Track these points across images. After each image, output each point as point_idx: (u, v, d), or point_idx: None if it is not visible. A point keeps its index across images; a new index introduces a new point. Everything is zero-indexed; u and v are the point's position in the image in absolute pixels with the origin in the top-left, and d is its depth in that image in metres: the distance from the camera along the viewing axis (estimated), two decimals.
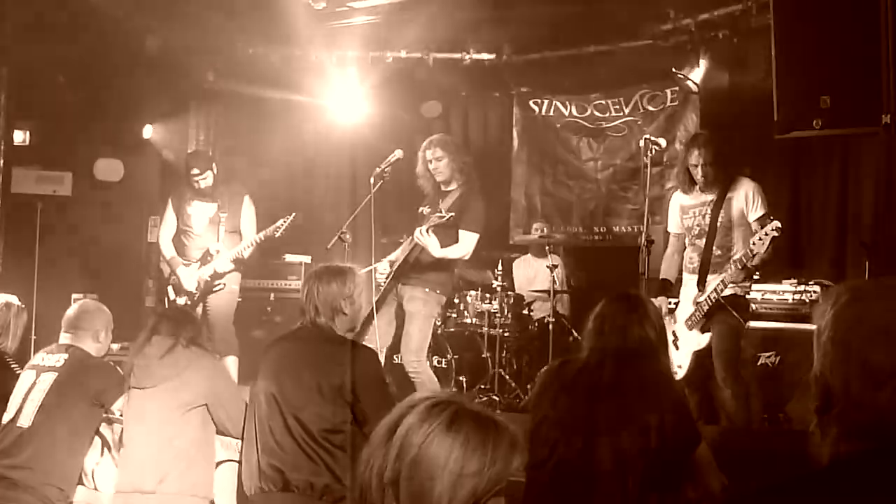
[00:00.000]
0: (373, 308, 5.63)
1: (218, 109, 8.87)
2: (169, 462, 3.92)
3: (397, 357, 6.03)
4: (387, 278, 5.83)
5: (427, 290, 5.77)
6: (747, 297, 5.47)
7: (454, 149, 5.95)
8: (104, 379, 4.27)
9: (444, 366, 6.94)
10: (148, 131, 8.44)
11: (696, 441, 3.16)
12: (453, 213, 5.53)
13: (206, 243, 6.64)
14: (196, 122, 8.75)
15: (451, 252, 5.71)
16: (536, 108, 8.79)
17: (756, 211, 5.22)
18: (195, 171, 6.64)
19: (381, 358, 5.92)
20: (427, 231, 5.54)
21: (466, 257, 5.87)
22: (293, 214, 6.49)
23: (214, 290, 6.61)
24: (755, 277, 5.45)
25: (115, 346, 5.31)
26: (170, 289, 6.75)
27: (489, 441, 1.67)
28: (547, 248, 7.50)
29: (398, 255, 5.83)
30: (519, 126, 8.88)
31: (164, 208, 6.93)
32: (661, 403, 3.12)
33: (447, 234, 5.66)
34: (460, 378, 7.11)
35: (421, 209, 5.97)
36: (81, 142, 8.01)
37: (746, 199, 5.24)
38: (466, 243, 5.76)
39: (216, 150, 8.56)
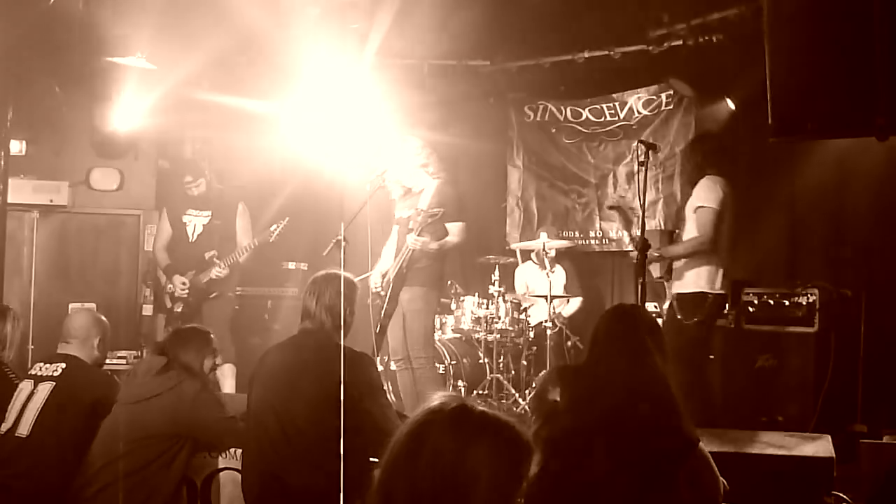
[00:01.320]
0: (379, 321, 5.75)
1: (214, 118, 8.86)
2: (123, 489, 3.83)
3: (394, 364, 6.04)
4: (386, 290, 5.84)
5: (425, 287, 5.87)
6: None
7: (418, 150, 5.98)
8: (101, 389, 4.26)
9: (441, 371, 6.95)
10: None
11: (691, 443, 3.17)
12: (442, 209, 5.61)
13: (202, 251, 6.65)
14: (192, 132, 8.72)
15: (448, 243, 5.85)
16: (531, 114, 8.79)
17: None
18: (188, 178, 6.68)
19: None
20: (418, 233, 5.60)
21: (460, 244, 6.00)
22: (286, 219, 6.52)
23: (210, 297, 6.62)
24: None
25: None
26: (167, 297, 6.75)
27: (516, 446, 1.71)
28: (545, 255, 7.49)
29: (393, 265, 5.84)
30: (514, 132, 8.89)
31: (160, 217, 6.94)
32: (655, 407, 3.14)
33: (434, 228, 5.77)
34: (458, 383, 7.12)
35: (400, 212, 6.03)
36: (77, 151, 8.01)
37: None
38: (458, 233, 5.89)
39: (211, 158, 8.56)
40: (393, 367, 6.18)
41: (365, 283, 6.05)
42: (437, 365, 6.80)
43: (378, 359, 5.85)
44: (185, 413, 3.90)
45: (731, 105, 7.51)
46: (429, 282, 5.90)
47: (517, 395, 7.05)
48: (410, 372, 5.89)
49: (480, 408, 1.76)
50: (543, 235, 7.67)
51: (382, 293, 5.86)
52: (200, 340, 4.18)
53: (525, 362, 7.51)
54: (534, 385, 7.12)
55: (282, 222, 6.52)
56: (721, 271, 5.67)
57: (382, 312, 5.79)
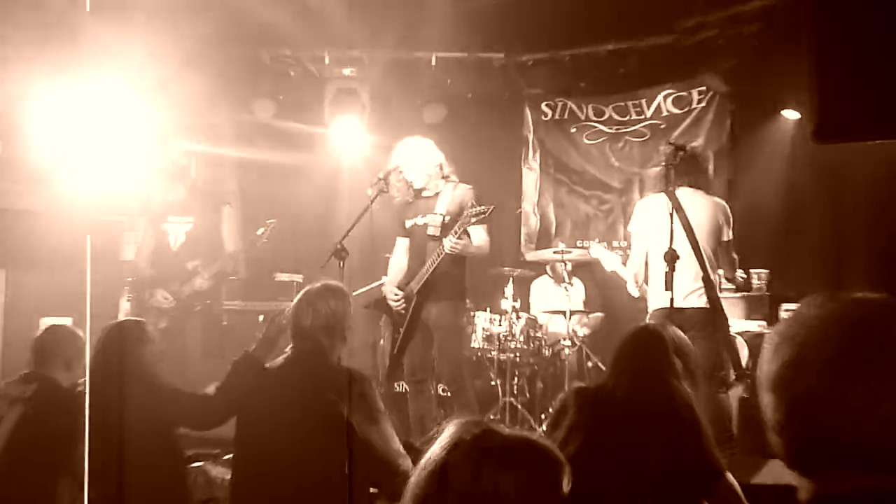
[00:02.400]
0: (398, 340, 5.77)
1: (200, 116, 8.89)
2: None
3: (398, 385, 6.03)
4: (406, 305, 5.81)
5: (454, 302, 5.90)
6: None
7: (428, 151, 5.97)
8: (71, 417, 4.23)
9: (449, 394, 6.92)
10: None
11: (715, 472, 3.18)
12: (492, 206, 5.58)
13: (184, 260, 6.66)
14: (175, 131, 8.76)
15: (483, 248, 5.85)
16: (549, 112, 8.79)
17: None
18: (169, 180, 6.69)
19: (381, 386, 5.92)
20: (458, 234, 5.56)
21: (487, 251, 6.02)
22: (273, 221, 6.52)
23: (195, 310, 6.61)
24: None
25: None
26: (149, 311, 6.75)
27: (547, 466, 1.73)
28: (563, 267, 7.46)
29: (418, 277, 5.81)
30: (530, 131, 8.88)
31: (140, 225, 6.95)
32: (678, 433, 3.15)
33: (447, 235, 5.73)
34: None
35: (412, 221, 5.98)
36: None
37: None
38: (483, 236, 5.87)
39: (196, 161, 8.59)
40: (398, 388, 6.17)
41: (377, 297, 6.06)
42: (444, 388, 6.79)
43: (378, 382, 5.83)
44: None
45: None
46: (456, 294, 5.92)
47: (532, 420, 7.02)
48: (425, 395, 5.88)
49: (501, 430, 1.77)
50: (561, 245, 7.64)
51: (402, 310, 5.86)
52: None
53: (541, 384, 7.47)
54: (550, 410, 7.08)
55: (270, 223, 6.53)
56: None
57: (402, 330, 5.78)
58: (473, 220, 5.54)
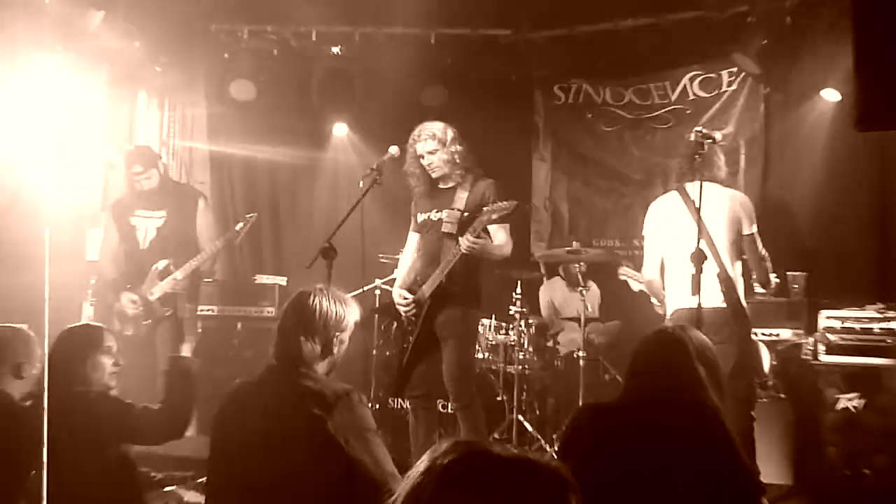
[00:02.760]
0: (407, 352, 5.76)
1: (172, 98, 8.93)
2: None
3: (393, 401, 6.03)
4: (417, 310, 5.82)
5: (465, 308, 5.84)
6: None
7: (449, 137, 5.98)
8: (29, 434, 4.23)
9: (450, 410, 6.94)
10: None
11: (754, 493, 3.17)
12: (516, 202, 5.59)
13: (154, 260, 6.66)
14: (145, 115, 8.80)
15: (504, 247, 5.84)
16: (563, 96, 8.81)
17: None
18: (136, 168, 6.69)
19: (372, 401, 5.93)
20: (477, 233, 5.58)
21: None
22: (254, 215, 6.52)
23: (165, 316, 6.62)
24: None
25: None
26: (114, 318, 6.76)
27: (551, 490, 1.65)
28: (578, 270, 7.47)
29: (432, 280, 5.80)
30: (541, 117, 8.89)
31: (105, 221, 6.96)
32: (710, 451, 3.13)
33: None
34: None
35: (425, 215, 5.97)
36: None
37: None
38: (504, 236, 5.86)
39: (169, 145, 8.62)
40: (392, 404, 6.16)
41: (386, 301, 6.06)
42: (444, 403, 6.80)
43: (370, 396, 5.83)
44: None
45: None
46: (468, 299, 5.86)
47: (542, 440, 7.04)
48: (427, 412, 5.89)
49: (496, 451, 1.70)
50: (576, 244, 7.65)
51: (413, 316, 5.85)
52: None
53: (553, 400, 7.49)
54: (563, 428, 7.10)
55: (250, 217, 6.53)
56: None
57: (413, 340, 5.79)
58: (495, 216, 5.54)
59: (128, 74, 8.42)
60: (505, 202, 5.54)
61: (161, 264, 6.62)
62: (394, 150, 5.91)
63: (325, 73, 8.43)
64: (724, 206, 5.60)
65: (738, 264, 5.62)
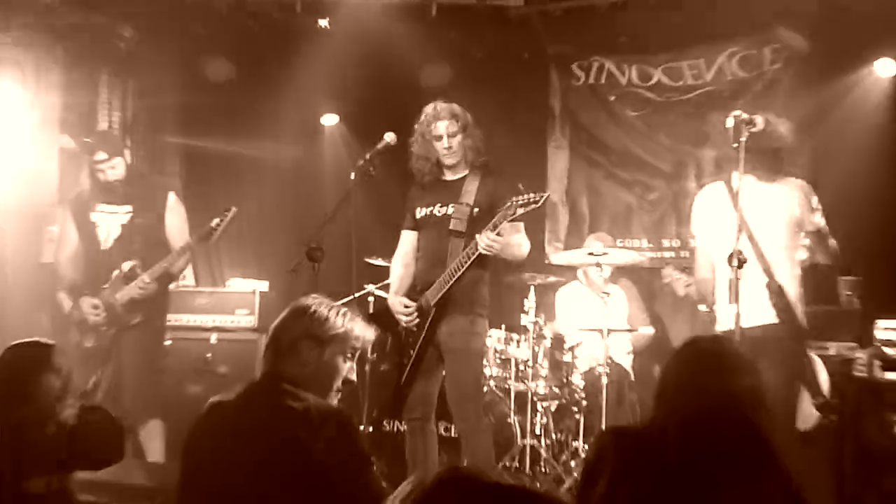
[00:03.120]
0: (406, 369, 5.72)
1: (139, 79, 8.91)
2: None
3: (388, 424, 5.99)
4: (420, 320, 5.76)
5: (472, 317, 5.78)
6: None
7: (470, 120, 5.96)
8: None
9: (453, 434, 6.90)
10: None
11: None
12: (546, 194, 5.53)
13: (118, 260, 6.63)
14: (108, 98, 8.76)
15: (523, 248, 5.85)
16: (582, 75, 8.79)
17: None
18: (100, 155, 6.65)
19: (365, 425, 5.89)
20: (498, 229, 5.50)
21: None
22: (233, 210, 6.48)
23: (130, 324, 6.59)
24: None
25: None
26: (72, 328, 6.73)
27: None
28: (600, 272, 7.42)
29: (437, 285, 5.74)
30: (558, 100, 8.87)
31: (62, 217, 6.93)
32: (753, 480, 3.08)
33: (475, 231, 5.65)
34: None
35: (427, 209, 5.92)
36: None
37: None
38: (523, 236, 5.86)
39: (136, 132, 8.59)
40: (387, 427, 6.13)
41: (379, 308, 6.01)
42: (447, 426, 6.76)
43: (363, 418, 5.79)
44: None
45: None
46: (477, 307, 5.82)
47: (559, 468, 7.00)
48: (427, 436, 5.84)
49: (491, 477, 1.68)
50: (597, 244, 7.61)
51: (415, 328, 5.79)
52: None
53: (571, 423, 7.44)
54: (582, 455, 7.06)
55: (227, 213, 6.48)
56: None
57: (414, 354, 5.72)
58: (521, 211, 5.45)
59: (87, 54, 8.39)
60: (533, 193, 5.44)
61: (126, 266, 6.58)
62: (390, 137, 5.86)
63: (312, 50, 8.40)
64: (775, 201, 5.52)
65: (797, 269, 5.55)
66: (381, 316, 6.06)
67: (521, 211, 5.45)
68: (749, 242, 5.32)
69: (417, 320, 5.77)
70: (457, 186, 5.89)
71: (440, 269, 5.72)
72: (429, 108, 5.96)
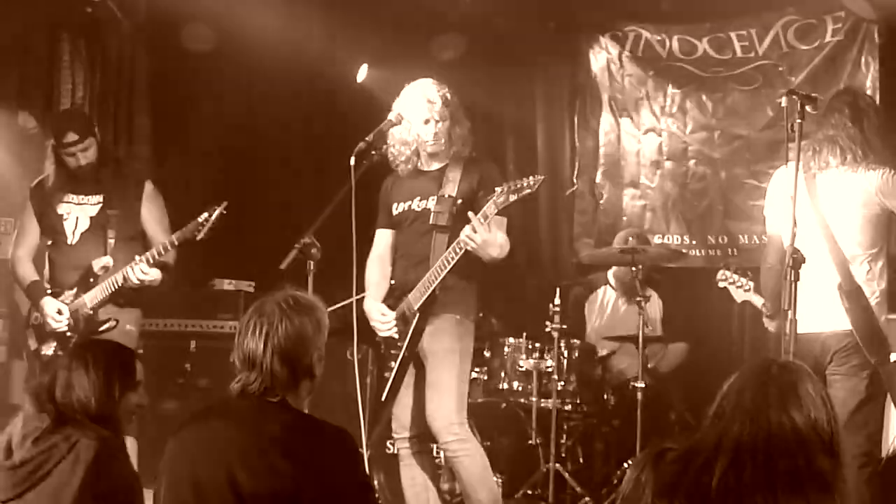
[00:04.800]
0: (389, 382, 5.71)
1: (109, 49, 8.92)
2: None
3: (392, 446, 5.99)
4: (402, 328, 5.77)
5: (458, 316, 5.76)
6: None
7: (456, 104, 5.96)
8: None
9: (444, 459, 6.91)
10: None
11: None
12: (542, 178, 5.49)
13: (87, 258, 6.63)
14: (72, 73, 8.77)
15: (503, 247, 5.70)
16: (616, 47, 8.79)
17: None
18: (71, 137, 6.62)
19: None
20: (487, 220, 5.44)
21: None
22: (223, 204, 6.48)
23: (101, 330, 6.59)
24: None
25: None
26: (30, 333, 6.75)
27: None
28: (635, 275, 7.42)
29: (420, 287, 5.75)
30: (588, 75, 8.89)
31: (22, 210, 6.93)
32: None
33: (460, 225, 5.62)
34: (494, 477, 7.07)
35: (404, 203, 5.93)
36: None
37: None
38: (503, 234, 5.75)
39: (105, 112, 8.61)
40: (391, 449, 6.13)
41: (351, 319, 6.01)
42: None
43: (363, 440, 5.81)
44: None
45: None
46: (461, 307, 5.79)
47: (588, 498, 7.01)
48: (423, 458, 5.86)
49: None
50: (632, 241, 7.62)
51: (395, 337, 5.80)
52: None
53: (601, 445, 7.46)
54: (614, 481, 7.07)
55: (216, 208, 6.48)
56: None
57: (397, 367, 5.72)
58: (513, 197, 5.42)
59: (47, 15, 8.40)
60: (527, 178, 5.42)
61: (98, 263, 6.58)
62: (395, 115, 5.87)
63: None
64: (850, 191, 5.51)
65: (878, 266, 5.54)
66: (359, 326, 6.07)
67: (513, 197, 5.41)
68: (822, 237, 5.32)
69: (396, 329, 5.80)
70: (437, 177, 5.89)
71: (422, 268, 5.71)
72: (414, 86, 5.96)
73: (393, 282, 5.97)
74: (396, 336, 5.77)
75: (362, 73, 5.75)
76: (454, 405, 5.67)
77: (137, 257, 6.42)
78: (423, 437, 5.85)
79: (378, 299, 5.93)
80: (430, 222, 5.74)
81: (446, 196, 5.74)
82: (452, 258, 5.54)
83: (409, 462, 5.88)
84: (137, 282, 6.43)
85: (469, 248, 5.46)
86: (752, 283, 6.01)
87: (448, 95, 5.89)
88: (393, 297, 5.88)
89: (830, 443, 3.29)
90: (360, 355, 7.13)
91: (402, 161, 5.94)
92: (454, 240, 5.54)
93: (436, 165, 5.91)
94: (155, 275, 6.47)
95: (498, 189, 5.44)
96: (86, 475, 4.00)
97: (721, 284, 6.15)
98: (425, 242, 5.78)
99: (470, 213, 5.46)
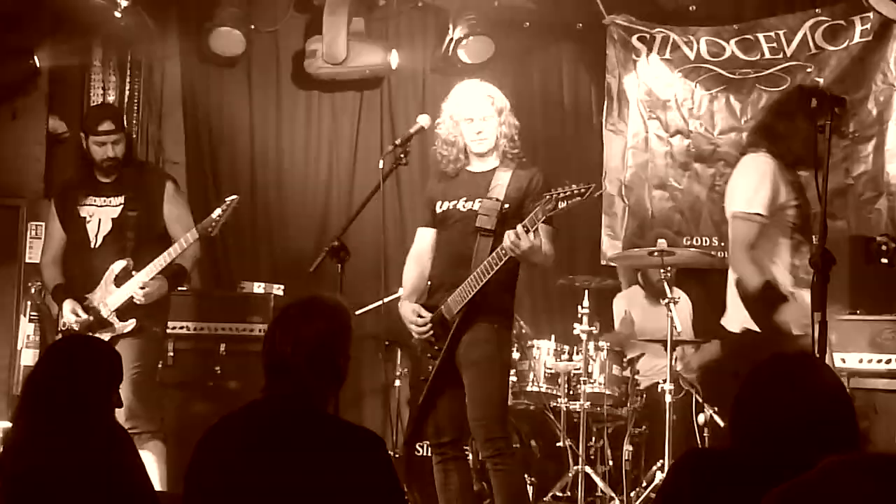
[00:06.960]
0: (426, 388, 5.65)
1: (138, 54, 8.94)
2: None
3: (421, 448, 5.96)
4: (439, 333, 5.72)
5: (496, 325, 5.71)
6: None
7: (507, 106, 5.91)
8: None
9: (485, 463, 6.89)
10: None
11: None
12: (594, 184, 5.42)
13: (110, 260, 6.62)
14: (102, 75, 8.79)
15: (549, 254, 5.66)
16: (643, 48, 8.75)
17: None
18: (107, 125, 6.59)
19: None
20: (534, 227, 5.37)
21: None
22: (234, 198, 6.46)
23: (124, 332, 6.57)
24: None
25: None
26: (58, 336, 6.75)
27: None
28: (663, 277, 7.37)
29: (460, 292, 5.68)
30: (615, 77, 8.86)
31: (47, 213, 6.93)
32: None
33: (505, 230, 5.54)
34: (526, 479, 7.04)
35: (449, 203, 5.86)
36: None
37: None
38: (548, 242, 5.69)
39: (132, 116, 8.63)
40: (420, 451, 6.10)
41: (386, 319, 5.96)
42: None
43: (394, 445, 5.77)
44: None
45: None
46: (499, 315, 5.74)
47: (616, 500, 6.97)
48: (458, 463, 5.81)
49: None
50: (662, 242, 7.57)
51: (432, 341, 5.73)
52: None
53: (631, 447, 7.41)
54: (643, 484, 7.03)
55: (230, 201, 6.46)
56: None
57: (434, 371, 5.66)
58: (562, 204, 5.33)
59: (77, 24, 8.41)
60: (578, 185, 5.33)
61: (118, 266, 6.57)
62: (423, 120, 5.85)
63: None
64: None
65: None
66: (399, 328, 6.02)
67: (562, 205, 5.33)
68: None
69: (436, 332, 5.73)
70: (485, 179, 5.81)
71: (463, 271, 5.62)
72: (461, 86, 5.93)
73: (431, 281, 5.89)
74: (433, 339, 5.72)
75: (394, 60, 5.68)
76: (497, 417, 5.63)
77: (138, 290, 6.44)
78: (458, 443, 5.80)
79: (413, 299, 5.87)
80: (476, 224, 5.67)
81: (493, 199, 5.65)
82: (496, 264, 5.46)
83: (444, 467, 5.83)
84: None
85: (513, 255, 5.41)
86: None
87: (494, 95, 5.85)
88: (431, 296, 5.82)
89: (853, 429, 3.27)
90: (393, 358, 7.12)
91: (450, 161, 5.87)
92: (498, 244, 5.46)
93: (484, 167, 5.84)
94: (153, 287, 6.49)
95: (546, 195, 5.38)
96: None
97: None
98: (468, 244, 5.68)
99: (515, 228, 5.37)
